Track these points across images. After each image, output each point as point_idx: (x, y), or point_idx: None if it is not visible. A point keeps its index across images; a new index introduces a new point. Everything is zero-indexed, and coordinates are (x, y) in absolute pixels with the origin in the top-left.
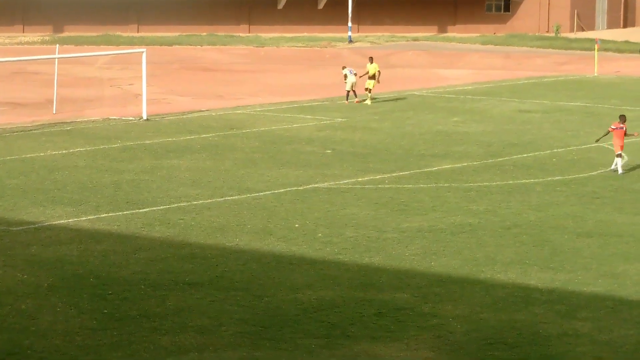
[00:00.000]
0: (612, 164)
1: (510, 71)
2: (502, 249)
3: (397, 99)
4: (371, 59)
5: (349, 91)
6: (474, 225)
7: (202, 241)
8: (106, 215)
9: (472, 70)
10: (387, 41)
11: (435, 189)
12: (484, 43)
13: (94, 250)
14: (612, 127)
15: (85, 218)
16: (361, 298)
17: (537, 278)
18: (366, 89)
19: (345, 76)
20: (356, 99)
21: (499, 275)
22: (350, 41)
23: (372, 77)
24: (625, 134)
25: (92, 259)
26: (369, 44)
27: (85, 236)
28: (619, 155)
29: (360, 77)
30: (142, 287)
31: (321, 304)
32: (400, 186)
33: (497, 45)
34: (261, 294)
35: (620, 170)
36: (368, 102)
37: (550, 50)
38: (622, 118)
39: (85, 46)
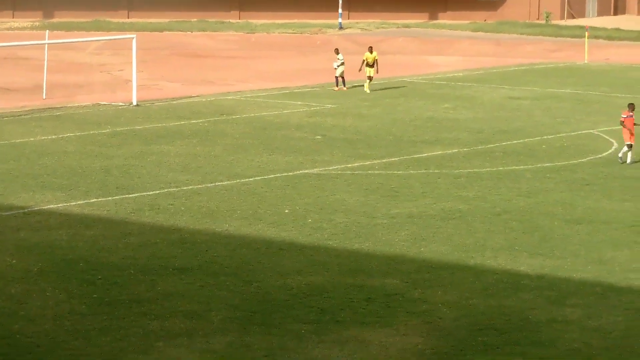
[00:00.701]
0: (621, 154)
1: (501, 58)
2: (491, 235)
3: (387, 86)
4: (370, 49)
5: (338, 77)
6: (463, 212)
7: (192, 226)
8: (96, 200)
9: (463, 57)
10: (377, 28)
11: (425, 175)
12: (474, 30)
13: (83, 235)
14: (623, 116)
15: (74, 203)
16: (351, 284)
17: (526, 264)
18: (369, 77)
19: (342, 63)
20: (345, 87)
21: (488, 261)
22: (341, 27)
23: (371, 65)
24: (634, 124)
25: (82, 244)
26: (359, 31)
27: (74, 221)
28: (630, 146)
29: (359, 70)
30: (132, 272)
31: (311, 290)
32: (391, 172)
33: (487, 32)
34: (251, 279)
35: (628, 160)
36: (367, 89)
37: (540, 37)
38: (631, 107)
39: (76, 32)
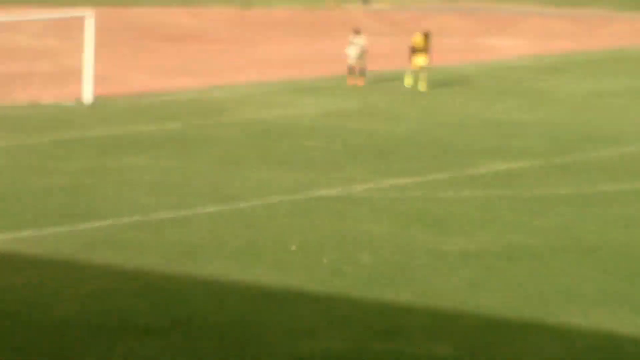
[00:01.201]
0: None
1: (582, 40)
2: (578, 282)
3: (430, 78)
4: (426, 35)
5: (354, 67)
6: (537, 249)
7: (164, 269)
8: (31, 233)
9: (530, 39)
10: (415, 1)
11: (484, 198)
12: (545, 4)
13: (11, 284)
14: None
15: (0, 238)
16: (383, 350)
17: (630, 323)
18: (414, 70)
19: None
20: (362, 80)
21: (575, 318)
22: (366, 1)
23: (421, 50)
24: None
25: (9, 296)
26: (389, 6)
27: None
28: None
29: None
30: (78, 334)
31: (328, 359)
32: (436, 195)
33: (561, 6)
34: (244, 344)
35: None
36: (407, 83)
37: (635, 12)
38: None
39: (13, 7)
